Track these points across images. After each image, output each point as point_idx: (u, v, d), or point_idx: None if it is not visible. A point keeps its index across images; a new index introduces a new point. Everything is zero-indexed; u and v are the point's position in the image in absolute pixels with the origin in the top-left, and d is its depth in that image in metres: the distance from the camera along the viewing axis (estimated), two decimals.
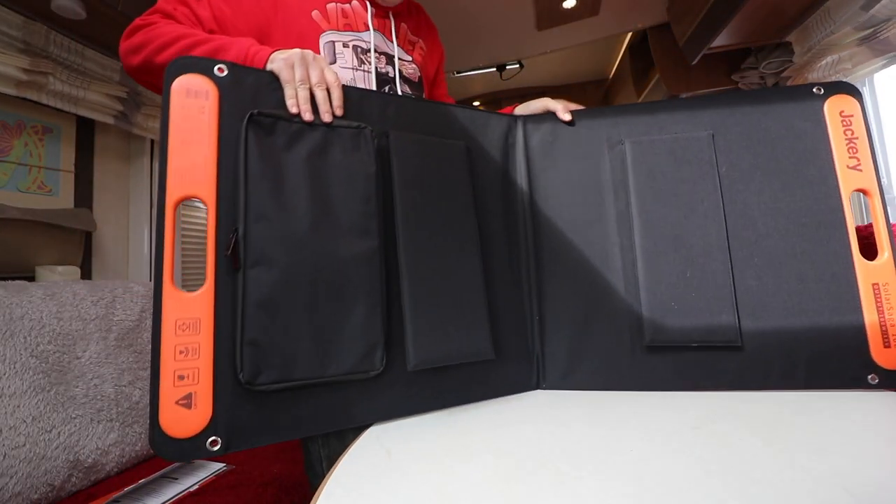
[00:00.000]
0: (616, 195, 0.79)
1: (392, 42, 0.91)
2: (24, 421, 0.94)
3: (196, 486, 1.02)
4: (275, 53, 0.68)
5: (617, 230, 0.78)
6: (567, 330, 0.77)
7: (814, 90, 0.75)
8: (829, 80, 1.34)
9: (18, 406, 0.94)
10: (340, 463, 0.52)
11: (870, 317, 0.68)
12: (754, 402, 0.64)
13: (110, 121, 1.45)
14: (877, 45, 1.18)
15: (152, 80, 0.77)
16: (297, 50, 0.68)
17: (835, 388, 0.67)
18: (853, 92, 0.75)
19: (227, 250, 0.60)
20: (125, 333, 1.23)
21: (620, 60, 2.66)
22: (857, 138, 0.75)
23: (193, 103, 0.62)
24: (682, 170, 0.76)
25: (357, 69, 0.85)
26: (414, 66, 0.95)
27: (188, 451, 0.55)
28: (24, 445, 0.92)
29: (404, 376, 0.67)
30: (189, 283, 1.93)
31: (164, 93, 0.61)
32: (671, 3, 1.76)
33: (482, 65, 2.21)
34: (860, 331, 0.68)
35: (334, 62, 0.84)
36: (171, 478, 1.05)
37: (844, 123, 0.75)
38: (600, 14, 1.84)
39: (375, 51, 0.88)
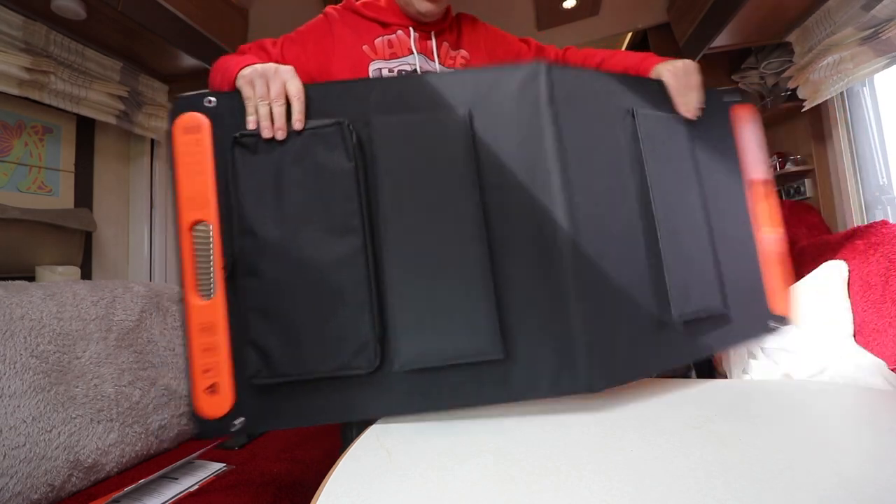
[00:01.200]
0: (632, 168, 0.74)
1: (434, 62, 0.95)
2: (24, 421, 0.94)
3: (196, 487, 1.02)
4: (241, 70, 0.70)
5: (639, 207, 0.73)
6: (603, 320, 0.67)
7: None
8: (830, 80, 1.34)
9: (18, 406, 0.94)
10: (340, 463, 0.52)
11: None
12: (754, 402, 0.64)
13: (112, 120, 1.45)
14: (878, 46, 1.18)
15: None
16: (260, 65, 0.70)
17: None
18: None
19: (224, 267, 0.67)
20: (125, 333, 1.23)
21: None
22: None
23: (191, 138, 0.69)
24: (679, 146, 0.79)
25: None
26: None
27: (218, 429, 0.65)
28: (24, 445, 0.92)
29: (402, 374, 0.66)
30: None
31: (168, 132, 0.69)
32: (671, 3, 1.76)
33: None
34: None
35: None
36: (171, 478, 1.05)
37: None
38: (600, 14, 1.84)
39: (414, 72, 0.91)
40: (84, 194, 1.47)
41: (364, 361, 0.65)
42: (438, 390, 0.66)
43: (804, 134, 1.69)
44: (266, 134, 0.68)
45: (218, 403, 0.66)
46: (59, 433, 0.99)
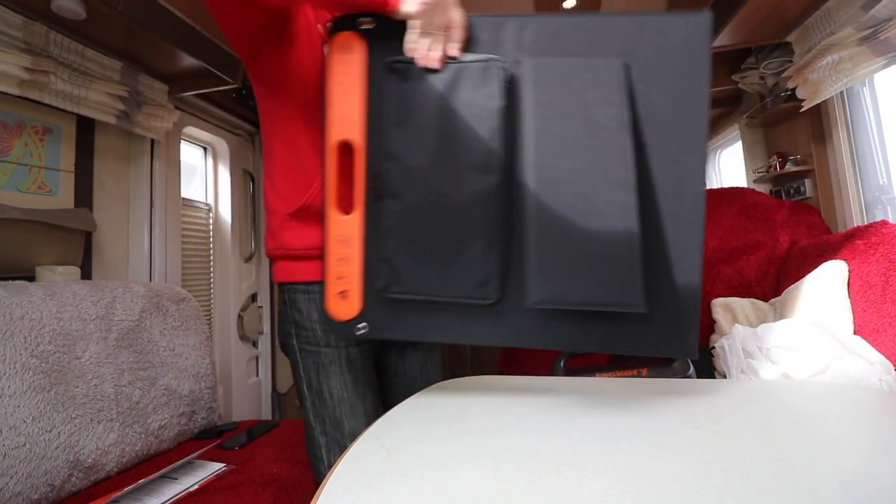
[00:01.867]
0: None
1: None
2: (24, 421, 0.94)
3: (196, 487, 1.02)
4: None
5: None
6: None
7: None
8: (830, 79, 1.35)
9: (18, 406, 0.94)
10: (340, 463, 0.52)
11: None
12: (754, 402, 0.64)
13: (112, 120, 1.45)
14: (877, 46, 1.18)
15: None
16: None
17: None
18: None
19: (373, 183, 0.72)
20: (125, 333, 1.23)
21: None
22: None
23: (345, 58, 0.72)
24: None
25: None
26: None
27: (344, 330, 0.74)
28: (24, 445, 0.92)
29: (523, 311, 0.68)
30: (189, 282, 1.93)
31: (325, 48, 0.75)
32: (671, 4, 1.76)
33: None
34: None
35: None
36: (170, 478, 1.05)
37: None
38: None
39: None
40: (84, 194, 1.47)
41: (485, 294, 0.69)
42: (554, 329, 0.68)
43: (804, 134, 1.69)
44: (423, 63, 0.69)
45: (347, 308, 0.74)
46: (59, 433, 0.99)
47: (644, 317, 0.64)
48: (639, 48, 0.67)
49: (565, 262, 0.64)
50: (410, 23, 0.69)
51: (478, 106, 0.69)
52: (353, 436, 0.86)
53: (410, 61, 0.70)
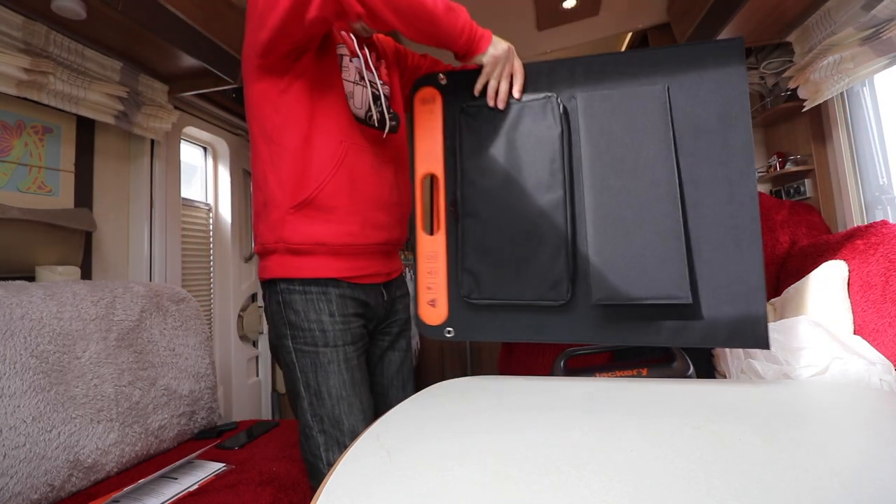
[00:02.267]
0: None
1: (371, 69, 1.01)
2: (24, 421, 0.94)
3: (195, 486, 1.02)
4: (490, 47, 0.83)
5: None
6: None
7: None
8: (830, 80, 1.34)
9: (18, 406, 0.94)
10: (340, 463, 0.52)
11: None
12: (754, 402, 0.64)
13: (111, 121, 1.45)
14: (878, 46, 1.18)
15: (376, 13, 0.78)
16: (504, 46, 0.84)
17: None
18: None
19: (452, 206, 0.87)
20: (125, 333, 1.23)
21: None
22: None
23: (426, 108, 0.90)
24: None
25: (357, 84, 0.95)
26: (387, 86, 1.04)
27: (435, 333, 0.87)
28: (24, 445, 0.92)
29: (590, 308, 0.78)
30: (189, 282, 1.93)
31: (409, 101, 0.94)
32: (671, 3, 1.76)
33: None
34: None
35: (340, 73, 0.93)
36: (170, 478, 1.05)
37: None
38: (600, 14, 1.84)
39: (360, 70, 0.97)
40: (84, 194, 1.47)
41: (557, 295, 0.78)
42: (619, 327, 0.76)
43: (804, 134, 1.69)
44: (491, 104, 0.85)
45: (435, 314, 0.87)
46: (58, 433, 0.99)
47: (711, 312, 0.73)
48: (679, 74, 0.77)
49: (620, 264, 0.75)
50: (484, 70, 0.85)
51: (540, 135, 0.82)
52: (353, 433, 0.88)
53: (480, 104, 0.86)
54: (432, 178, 0.90)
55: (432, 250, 0.88)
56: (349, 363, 0.91)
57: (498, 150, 0.84)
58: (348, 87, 0.93)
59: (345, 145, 0.90)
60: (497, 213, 0.83)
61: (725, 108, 0.74)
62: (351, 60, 0.95)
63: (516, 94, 0.84)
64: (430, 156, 0.89)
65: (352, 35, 0.99)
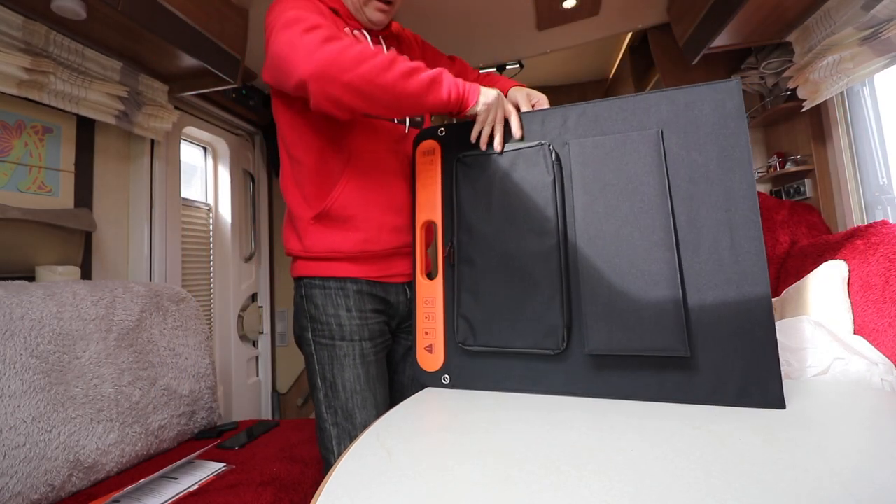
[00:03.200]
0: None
1: None
2: (24, 421, 0.94)
3: (196, 486, 1.02)
4: (481, 97, 0.85)
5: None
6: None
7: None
8: (830, 80, 1.34)
9: (18, 406, 0.94)
10: (340, 463, 0.52)
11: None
12: None
13: (111, 120, 1.45)
14: (878, 46, 1.18)
15: (354, 102, 0.79)
16: (492, 95, 0.85)
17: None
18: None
19: (445, 256, 0.88)
20: (125, 333, 1.23)
21: (620, 60, 2.66)
22: None
23: (427, 159, 0.94)
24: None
25: None
26: None
27: (432, 380, 0.85)
28: (24, 445, 0.92)
29: (586, 359, 0.74)
30: (189, 282, 1.93)
31: (413, 153, 0.96)
32: (671, 3, 1.75)
33: (482, 65, 2.21)
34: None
35: None
36: (170, 478, 1.05)
37: None
38: (600, 14, 1.84)
39: None
40: (84, 194, 1.47)
41: (552, 343, 0.76)
42: (619, 380, 0.72)
43: (804, 134, 1.69)
44: (483, 147, 0.87)
45: (432, 360, 0.86)
46: (58, 433, 0.99)
47: (717, 366, 0.67)
48: (674, 118, 0.75)
49: (615, 313, 0.71)
50: (478, 119, 0.86)
51: (533, 182, 0.81)
52: (365, 427, 0.89)
53: (476, 153, 0.88)
54: (431, 225, 0.92)
55: (430, 295, 0.89)
56: (365, 358, 0.93)
57: (493, 197, 0.84)
58: None
59: (353, 154, 0.93)
60: (492, 260, 0.82)
61: (725, 151, 0.71)
62: None
63: (516, 131, 0.86)
64: (429, 204, 0.91)
65: (364, 32, 0.97)
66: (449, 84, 0.83)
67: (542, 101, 0.97)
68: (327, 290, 0.94)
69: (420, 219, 0.92)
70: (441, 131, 0.93)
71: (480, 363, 0.81)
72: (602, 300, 0.72)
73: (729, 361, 0.66)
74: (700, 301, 0.69)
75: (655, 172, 0.73)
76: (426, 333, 0.87)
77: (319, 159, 0.93)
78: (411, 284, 1.01)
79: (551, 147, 0.81)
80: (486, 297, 0.82)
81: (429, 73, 0.82)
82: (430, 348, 0.86)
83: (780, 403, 0.63)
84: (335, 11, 0.94)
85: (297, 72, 0.76)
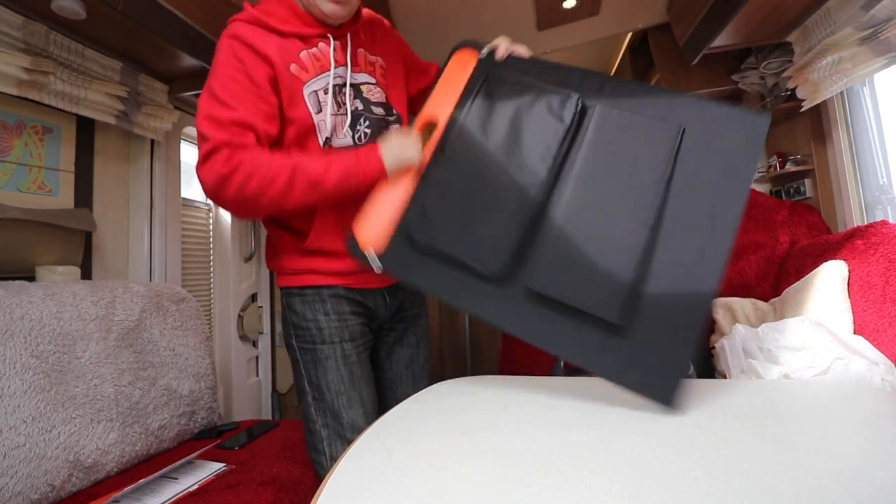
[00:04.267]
0: None
1: (357, 71, 0.97)
2: (24, 421, 0.94)
3: (196, 486, 1.02)
4: (385, 161, 0.86)
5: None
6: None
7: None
8: (830, 80, 1.34)
9: (18, 406, 0.94)
10: (340, 463, 0.52)
11: None
12: (754, 402, 0.64)
13: (111, 120, 1.45)
14: (877, 46, 1.18)
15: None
16: (396, 150, 0.87)
17: None
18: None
19: (435, 151, 0.88)
20: (125, 333, 1.23)
21: (620, 60, 2.66)
22: None
23: (460, 64, 0.97)
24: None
25: (336, 114, 0.92)
26: (378, 89, 0.99)
27: (358, 252, 0.85)
28: (24, 445, 0.92)
29: (522, 296, 0.74)
30: (189, 282, 1.93)
31: (449, 54, 0.99)
32: (671, 3, 1.76)
33: None
34: None
35: (321, 111, 0.90)
36: (170, 478, 1.05)
37: None
38: (600, 14, 1.84)
39: (344, 85, 0.94)
40: (84, 194, 1.47)
41: (494, 262, 0.76)
42: (549, 327, 0.72)
43: (804, 134, 1.69)
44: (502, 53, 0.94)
45: (373, 235, 0.85)
46: (58, 433, 0.99)
47: (637, 350, 0.67)
48: (698, 124, 0.77)
49: (568, 261, 0.73)
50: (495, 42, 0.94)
51: (547, 123, 0.83)
52: (352, 426, 0.92)
53: (509, 78, 0.90)
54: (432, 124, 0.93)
55: (404, 177, 0.89)
56: (347, 359, 0.95)
57: (502, 119, 0.86)
58: (329, 124, 0.90)
59: None
60: (473, 169, 0.84)
61: (732, 168, 0.73)
62: (326, 93, 0.91)
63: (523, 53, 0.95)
64: (442, 103, 0.92)
65: (329, 36, 0.92)
66: (338, 168, 0.84)
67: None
68: (305, 297, 0.96)
69: (426, 110, 0.94)
70: (483, 52, 0.95)
71: (420, 258, 0.81)
72: (563, 246, 0.74)
73: (647, 349, 0.67)
74: (652, 286, 0.70)
75: (663, 161, 0.75)
76: (378, 203, 0.87)
77: None
78: (390, 289, 1.02)
79: (580, 101, 0.83)
80: (451, 197, 0.83)
81: (313, 174, 0.82)
82: (377, 222, 0.86)
83: (668, 402, 0.62)
84: (284, 35, 0.88)
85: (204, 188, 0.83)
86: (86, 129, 1.48)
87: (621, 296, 0.68)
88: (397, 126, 0.99)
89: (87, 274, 1.45)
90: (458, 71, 0.94)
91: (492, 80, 0.90)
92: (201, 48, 1.42)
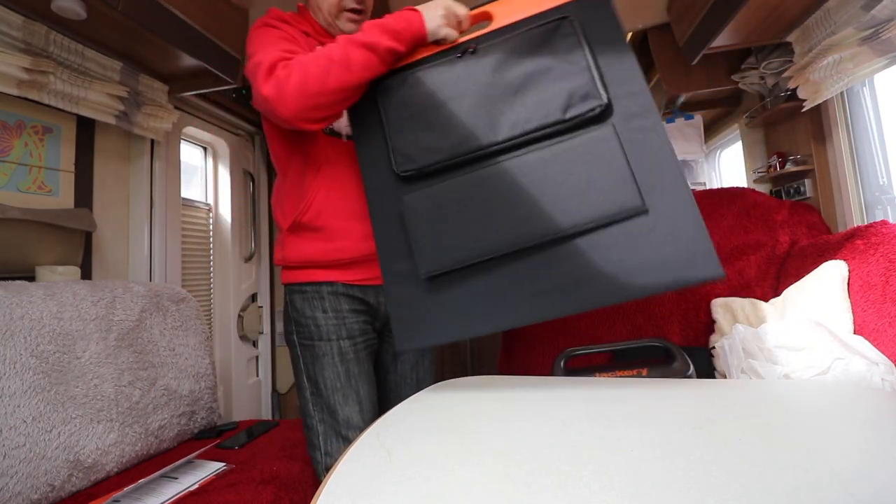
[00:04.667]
0: None
1: None
2: (24, 421, 0.94)
3: (196, 486, 1.02)
4: (427, 17, 0.85)
5: None
6: None
7: None
8: (830, 80, 1.34)
9: (18, 406, 0.94)
10: (340, 463, 0.52)
11: None
12: (754, 402, 0.64)
13: (111, 120, 1.45)
14: (878, 46, 1.18)
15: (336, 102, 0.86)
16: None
17: None
18: None
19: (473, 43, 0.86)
20: (125, 333, 1.23)
21: None
22: None
23: None
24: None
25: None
26: None
27: None
28: (24, 445, 0.92)
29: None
30: (189, 282, 1.93)
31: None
32: (671, 3, 1.75)
33: None
34: None
35: None
36: (171, 477, 1.05)
37: None
38: None
39: None
40: (84, 194, 1.47)
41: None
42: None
43: (804, 134, 1.69)
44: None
45: None
46: (58, 433, 0.99)
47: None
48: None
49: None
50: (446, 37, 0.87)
51: (550, 104, 0.79)
52: (347, 423, 0.95)
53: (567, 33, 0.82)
54: None
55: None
56: (344, 356, 0.97)
57: (522, 67, 0.81)
58: None
59: (324, 165, 0.97)
60: (463, 96, 0.82)
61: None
62: None
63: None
64: (510, 11, 0.86)
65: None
66: (381, 29, 0.83)
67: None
68: (305, 294, 0.99)
69: (490, 6, 0.88)
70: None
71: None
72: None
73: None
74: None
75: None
76: None
77: (294, 171, 0.98)
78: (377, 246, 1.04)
79: (599, 108, 0.76)
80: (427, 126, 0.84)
81: (364, 38, 0.83)
82: None
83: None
84: (305, 33, 0.97)
85: (282, 117, 0.82)
86: (86, 129, 1.48)
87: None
88: None
89: (87, 274, 1.45)
90: None
91: (564, 25, 0.80)
92: (201, 48, 1.42)
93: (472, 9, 0.88)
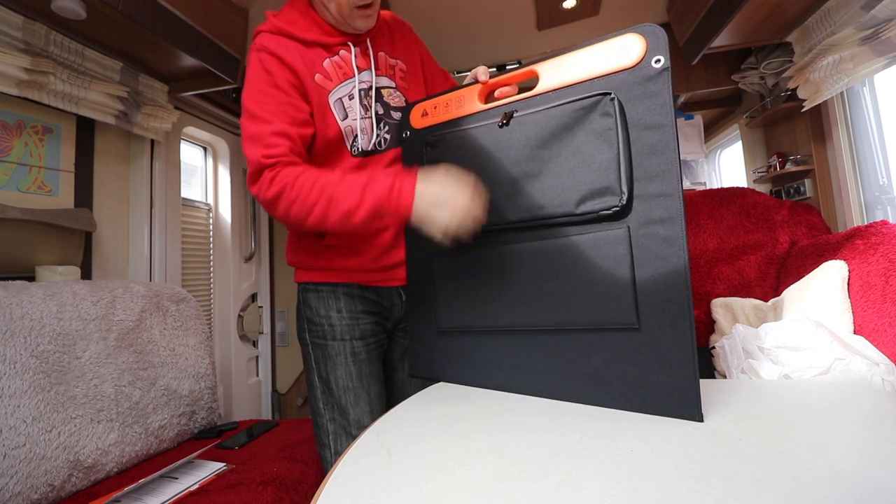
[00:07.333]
0: None
1: (381, 76, 0.97)
2: (24, 421, 0.94)
3: (196, 486, 1.02)
4: (417, 201, 0.77)
5: None
6: None
7: None
8: (830, 80, 1.34)
9: (18, 406, 0.94)
10: (341, 463, 0.52)
11: None
12: (754, 402, 0.64)
13: (111, 121, 1.45)
14: (878, 46, 1.18)
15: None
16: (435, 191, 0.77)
17: None
18: None
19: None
20: (125, 333, 1.23)
21: None
22: None
23: None
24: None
25: (364, 118, 0.93)
26: (398, 92, 1.00)
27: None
28: (24, 445, 0.92)
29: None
30: (189, 282, 1.93)
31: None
32: (671, 3, 1.76)
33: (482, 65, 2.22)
34: None
35: (346, 117, 0.92)
36: (171, 477, 1.05)
37: None
38: (600, 14, 1.84)
39: (370, 89, 0.94)
40: (84, 194, 1.47)
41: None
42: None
43: (804, 134, 1.69)
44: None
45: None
46: (59, 433, 0.99)
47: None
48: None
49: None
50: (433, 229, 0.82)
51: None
52: (358, 423, 0.94)
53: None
54: None
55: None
56: (357, 357, 0.96)
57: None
58: (358, 127, 0.92)
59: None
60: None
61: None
62: (350, 99, 0.93)
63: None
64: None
65: (349, 44, 0.94)
66: (375, 192, 0.79)
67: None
68: (320, 294, 0.98)
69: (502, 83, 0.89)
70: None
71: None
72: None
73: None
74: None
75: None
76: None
77: None
78: (405, 288, 1.02)
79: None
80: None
81: (353, 198, 0.79)
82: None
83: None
84: (307, 43, 0.90)
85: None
86: (86, 129, 1.48)
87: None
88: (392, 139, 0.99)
89: (87, 274, 1.45)
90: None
91: (604, 103, 0.73)
92: (201, 48, 1.42)
93: (520, 65, 0.86)
